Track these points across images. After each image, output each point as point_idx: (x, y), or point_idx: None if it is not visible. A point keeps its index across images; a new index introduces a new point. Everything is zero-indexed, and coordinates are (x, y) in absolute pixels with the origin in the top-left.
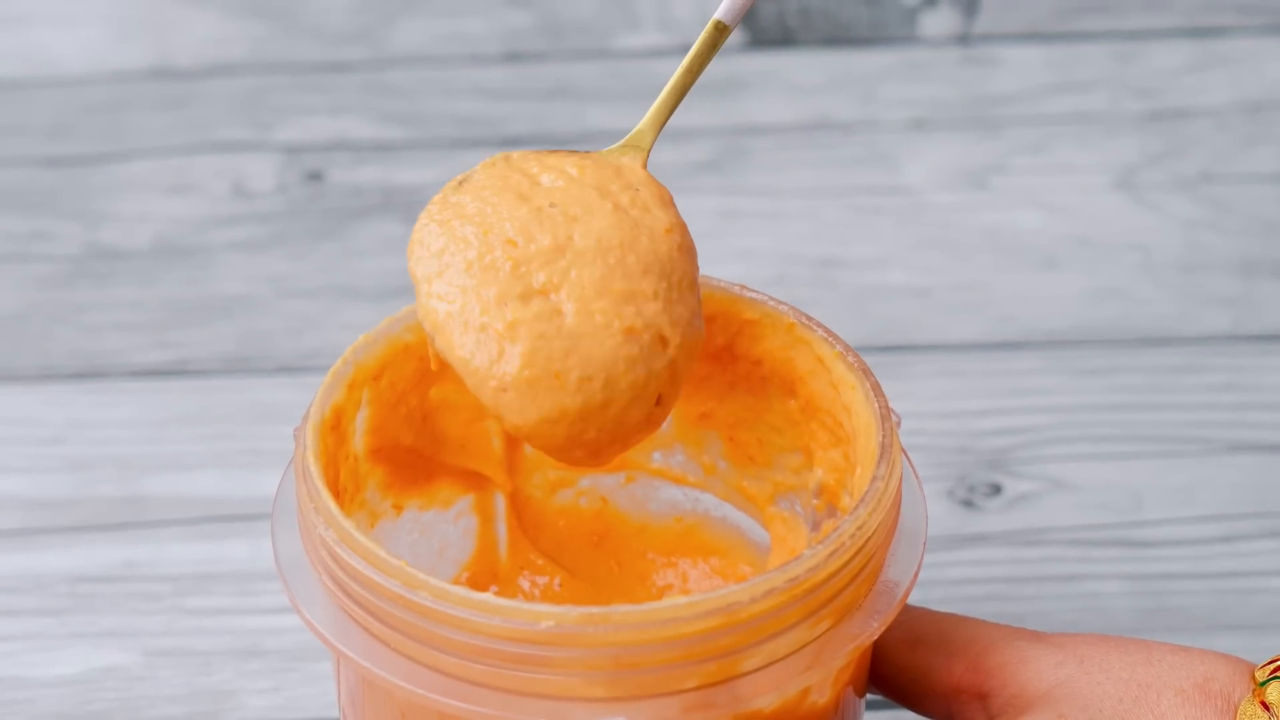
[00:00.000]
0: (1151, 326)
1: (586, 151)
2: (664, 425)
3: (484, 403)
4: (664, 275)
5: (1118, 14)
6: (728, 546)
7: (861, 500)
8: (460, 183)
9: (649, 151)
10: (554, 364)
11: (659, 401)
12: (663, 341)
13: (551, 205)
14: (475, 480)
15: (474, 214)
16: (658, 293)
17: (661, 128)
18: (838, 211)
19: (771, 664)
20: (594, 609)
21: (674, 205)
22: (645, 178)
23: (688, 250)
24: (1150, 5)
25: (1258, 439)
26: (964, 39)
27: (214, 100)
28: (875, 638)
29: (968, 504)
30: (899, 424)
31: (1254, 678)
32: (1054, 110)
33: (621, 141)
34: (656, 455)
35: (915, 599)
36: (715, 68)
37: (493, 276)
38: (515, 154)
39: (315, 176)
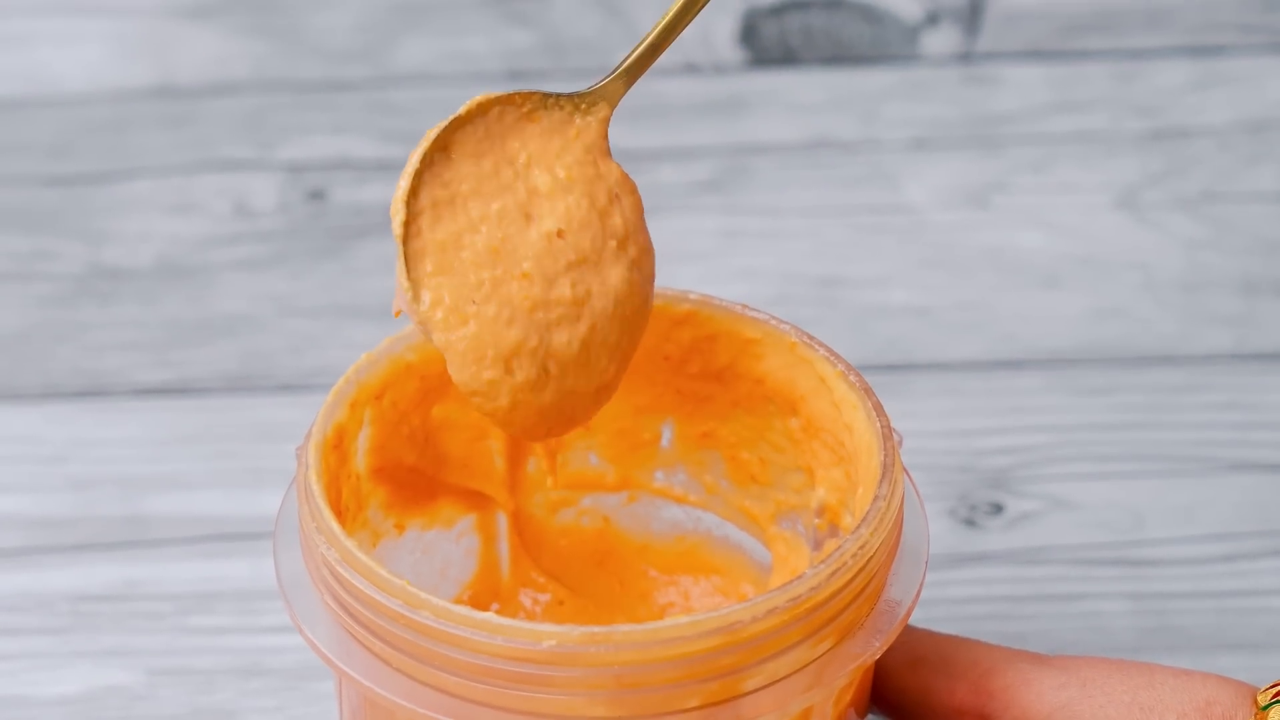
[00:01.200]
0: (1153, 345)
1: (558, 98)
2: (666, 444)
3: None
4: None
5: (1119, 33)
6: (729, 566)
7: (863, 519)
8: (444, 146)
9: (615, 106)
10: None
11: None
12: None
13: (559, 235)
14: (477, 500)
15: (479, 219)
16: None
17: (632, 84)
18: (839, 230)
19: (773, 683)
20: (596, 628)
21: (642, 209)
22: (620, 176)
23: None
24: (1152, 24)
25: (1260, 458)
26: (965, 58)
27: (216, 119)
28: (877, 657)
29: (969, 523)
30: (900, 443)
31: (1256, 701)
32: (1055, 129)
33: (592, 86)
34: (659, 474)
35: (917, 618)
36: (717, 87)
37: (509, 314)
38: (492, 109)
39: (317, 195)
